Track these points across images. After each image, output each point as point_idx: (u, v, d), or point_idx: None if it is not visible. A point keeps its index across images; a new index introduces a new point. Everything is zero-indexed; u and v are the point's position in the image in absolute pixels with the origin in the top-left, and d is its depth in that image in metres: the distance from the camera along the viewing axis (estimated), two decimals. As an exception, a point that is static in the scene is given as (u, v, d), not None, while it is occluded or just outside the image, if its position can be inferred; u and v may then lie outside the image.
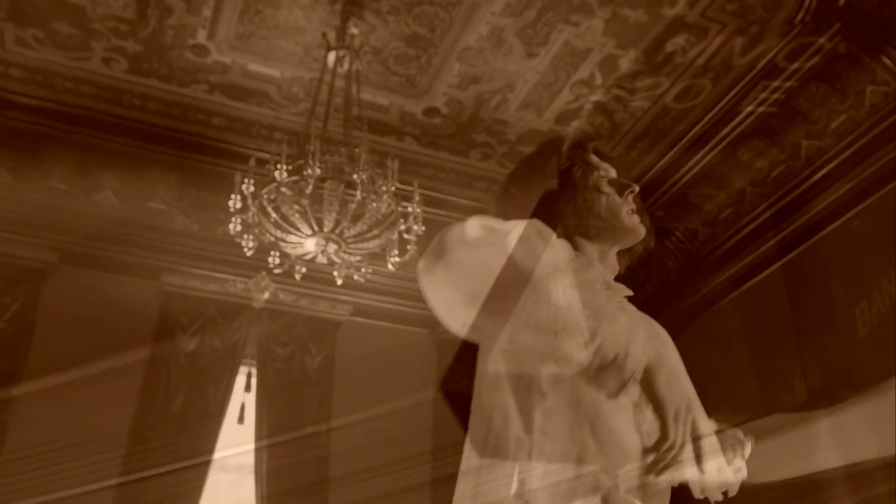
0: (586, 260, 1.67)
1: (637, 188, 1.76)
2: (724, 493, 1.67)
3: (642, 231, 1.69)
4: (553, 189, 1.77)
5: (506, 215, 1.71)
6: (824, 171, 4.56)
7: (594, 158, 1.77)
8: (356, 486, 4.95)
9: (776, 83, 4.44)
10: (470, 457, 1.54)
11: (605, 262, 1.71)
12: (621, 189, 1.73)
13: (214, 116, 4.90)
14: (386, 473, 4.83)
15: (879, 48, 4.16)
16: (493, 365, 1.61)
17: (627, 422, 1.48)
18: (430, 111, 4.86)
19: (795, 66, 4.35)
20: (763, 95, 4.53)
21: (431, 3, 4.18)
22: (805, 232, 4.51)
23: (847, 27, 4.19)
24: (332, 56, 4.14)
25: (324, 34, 4.21)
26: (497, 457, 1.49)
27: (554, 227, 1.63)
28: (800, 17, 4.15)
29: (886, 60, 4.19)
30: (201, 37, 4.39)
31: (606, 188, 1.73)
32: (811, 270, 3.93)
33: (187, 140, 5.01)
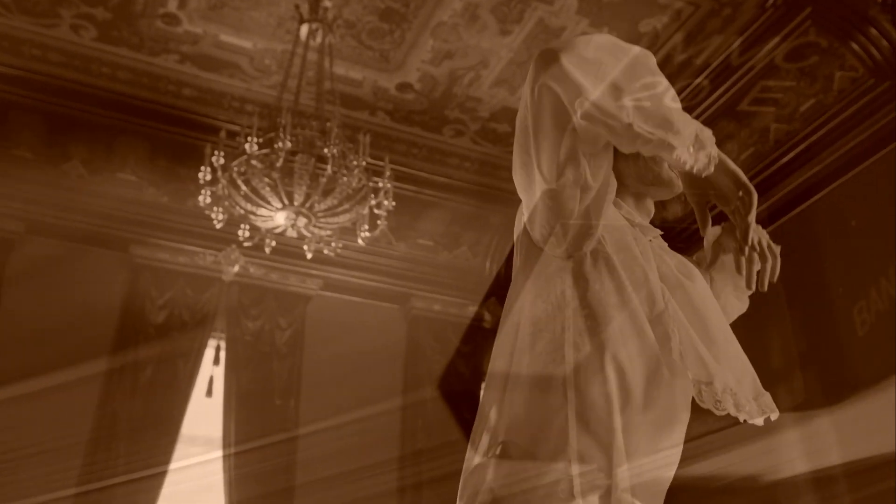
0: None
1: None
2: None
3: (679, 186, 1.65)
4: None
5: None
6: (792, 154, 4.62)
7: None
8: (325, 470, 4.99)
9: (746, 66, 4.48)
10: (472, 456, 1.51)
11: (639, 207, 1.68)
12: None
13: (185, 87, 4.85)
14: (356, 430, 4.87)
15: (849, 34, 4.20)
16: (499, 361, 1.55)
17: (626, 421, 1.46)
18: (404, 86, 4.84)
19: (766, 49, 4.39)
20: (733, 78, 4.57)
21: (406, -22, 4.18)
22: (772, 214, 4.58)
23: (817, 12, 4.23)
24: (304, 28, 4.12)
25: (296, 6, 4.18)
26: (503, 456, 1.46)
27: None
28: (771, 0, 4.18)
29: (855, 46, 4.24)
30: (172, 6, 4.33)
31: None
32: (809, 269, 3.96)
33: (158, 111, 4.95)
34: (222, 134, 3.75)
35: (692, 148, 1.45)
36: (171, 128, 5.01)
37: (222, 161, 3.62)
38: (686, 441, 1.55)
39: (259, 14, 4.39)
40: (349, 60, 4.64)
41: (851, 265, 3.87)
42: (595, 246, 1.50)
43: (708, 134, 1.46)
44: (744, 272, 1.55)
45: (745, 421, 1.45)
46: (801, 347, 3.99)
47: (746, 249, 1.53)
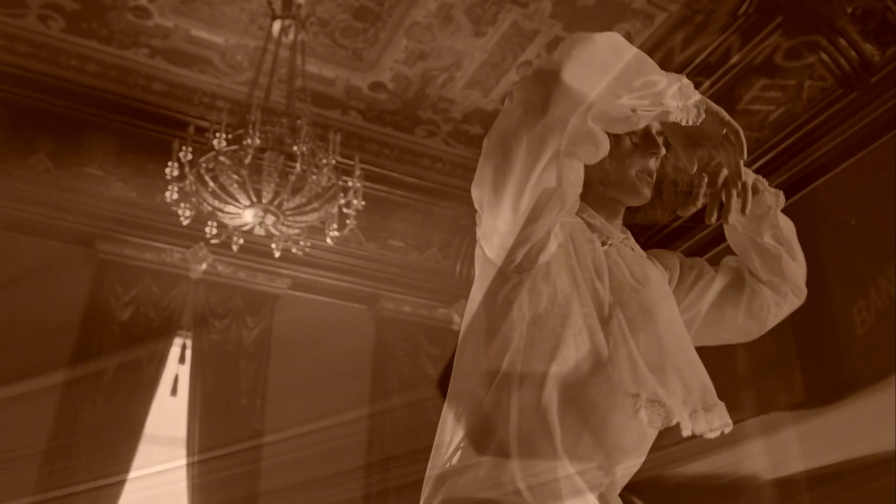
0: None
1: (662, 153, 1.66)
2: None
3: (645, 196, 1.62)
4: None
5: None
6: (761, 162, 4.66)
7: None
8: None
9: (717, 73, 4.51)
10: (469, 455, 1.48)
11: (605, 210, 1.64)
12: (646, 146, 1.59)
13: (155, 82, 4.79)
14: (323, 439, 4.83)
15: (818, 44, 4.24)
16: (457, 373, 1.54)
17: (625, 419, 1.42)
18: (376, 86, 4.82)
19: (737, 57, 4.42)
20: (705, 85, 4.59)
21: (380, -24, 4.16)
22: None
23: (788, 21, 4.27)
24: (276, 25, 4.08)
25: (269, 2, 4.14)
26: (497, 454, 1.44)
27: None
28: (743, 9, 4.21)
29: (824, 56, 4.28)
30: (142, -2, 4.29)
31: (634, 137, 1.60)
32: (809, 268, 3.96)
33: (127, 105, 4.88)
34: (190, 129, 3.70)
35: (680, 102, 1.47)
36: (140, 122, 4.95)
37: (190, 157, 3.57)
38: (686, 440, 1.54)
39: (231, 9, 4.35)
40: (322, 59, 4.61)
41: (850, 265, 3.90)
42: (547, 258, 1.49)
43: (686, 82, 1.46)
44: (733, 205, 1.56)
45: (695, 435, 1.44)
46: (801, 346, 4.02)
47: (739, 185, 1.55)
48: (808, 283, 1.83)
